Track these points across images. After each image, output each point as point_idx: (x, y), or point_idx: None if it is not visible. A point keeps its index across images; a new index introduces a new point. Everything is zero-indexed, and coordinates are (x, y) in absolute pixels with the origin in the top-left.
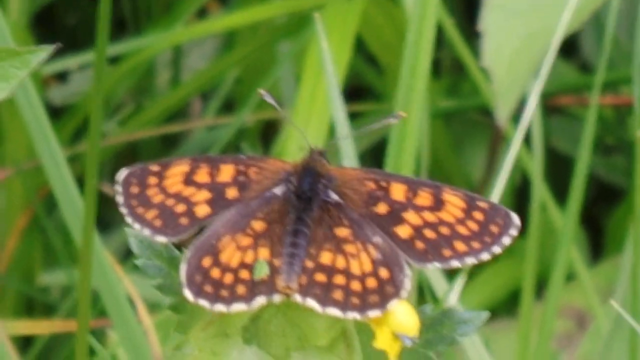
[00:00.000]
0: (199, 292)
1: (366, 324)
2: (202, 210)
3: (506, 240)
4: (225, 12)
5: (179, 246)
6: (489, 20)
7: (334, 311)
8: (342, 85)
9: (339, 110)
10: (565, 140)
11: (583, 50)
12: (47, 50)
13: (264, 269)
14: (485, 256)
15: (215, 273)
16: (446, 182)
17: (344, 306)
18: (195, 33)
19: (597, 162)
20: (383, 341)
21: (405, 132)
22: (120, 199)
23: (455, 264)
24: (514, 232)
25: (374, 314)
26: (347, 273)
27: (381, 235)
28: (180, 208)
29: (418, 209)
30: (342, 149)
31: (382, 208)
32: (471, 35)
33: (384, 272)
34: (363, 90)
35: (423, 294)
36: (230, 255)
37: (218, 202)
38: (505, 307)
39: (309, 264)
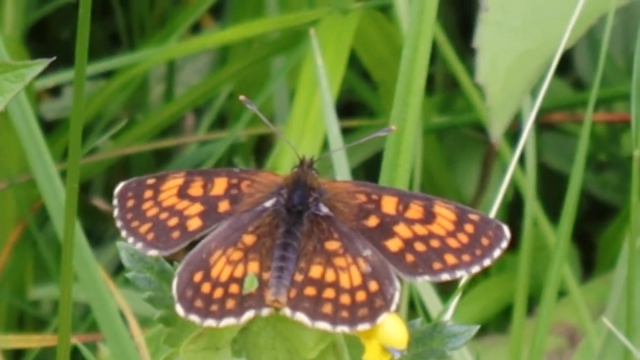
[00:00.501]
0: (190, 307)
1: (355, 337)
2: (194, 224)
3: (497, 253)
4: (219, 27)
5: (170, 259)
6: (483, 37)
7: (323, 325)
8: (336, 101)
9: (333, 126)
10: (558, 157)
11: (577, 67)
12: (41, 64)
13: (253, 283)
14: (475, 269)
15: (206, 288)
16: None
17: (334, 320)
18: (189, 48)
19: (590, 178)
20: (372, 354)
21: (399, 148)
22: (116, 212)
23: (445, 277)
24: (504, 244)
25: (363, 327)
26: (336, 286)
27: (371, 248)
28: (173, 221)
29: (409, 222)
30: (335, 163)
31: (372, 221)
32: (465, 51)
33: (373, 285)
34: (357, 105)
35: (415, 312)
36: (220, 269)
37: (210, 215)
38: (497, 323)
39: (299, 277)
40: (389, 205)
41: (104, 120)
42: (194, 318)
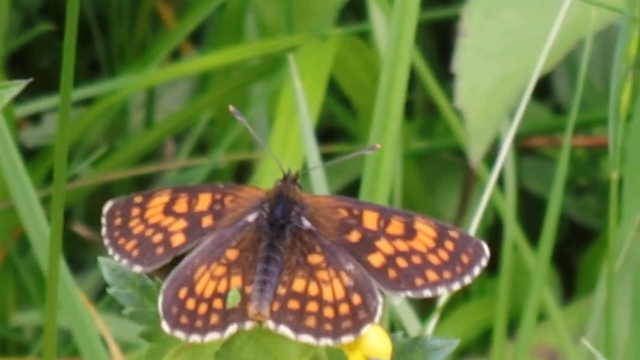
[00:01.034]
0: (175, 323)
1: (339, 349)
2: (178, 240)
3: (476, 270)
4: (198, 54)
5: (152, 275)
6: (462, 62)
7: (307, 338)
8: (316, 127)
9: (312, 151)
10: (537, 181)
11: (556, 91)
12: (19, 85)
13: (236, 297)
14: (456, 286)
15: (191, 304)
16: None
17: (317, 332)
18: (168, 74)
19: (570, 202)
20: None
21: (378, 173)
22: (104, 230)
23: (427, 293)
24: (484, 261)
25: (347, 339)
26: (319, 299)
27: (353, 262)
28: (157, 238)
29: (390, 238)
30: (315, 186)
31: (354, 236)
32: (444, 76)
33: (356, 298)
34: (336, 131)
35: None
36: (204, 285)
37: (193, 231)
38: (477, 346)
39: (281, 290)
40: (371, 220)
41: (84, 147)
42: (179, 334)
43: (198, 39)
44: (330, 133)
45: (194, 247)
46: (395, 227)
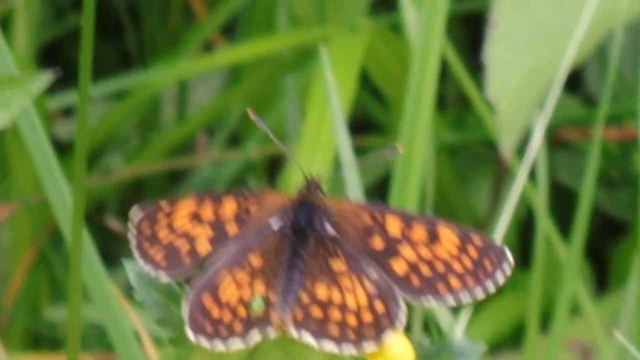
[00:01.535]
0: (199, 331)
1: (362, 358)
2: (204, 249)
3: (500, 277)
4: (230, 46)
5: (179, 281)
6: (492, 53)
7: (329, 345)
8: (348, 119)
9: (345, 144)
10: (569, 174)
11: (587, 84)
12: (47, 76)
13: (259, 305)
14: (479, 293)
15: (215, 312)
16: (451, 216)
17: (340, 340)
18: (200, 67)
19: (602, 195)
20: None
21: (409, 166)
22: (133, 240)
23: (450, 300)
24: (507, 269)
25: (369, 347)
26: (342, 307)
27: (376, 269)
28: (184, 247)
29: (413, 244)
30: (347, 182)
31: (377, 242)
32: (475, 68)
33: (379, 306)
34: (368, 123)
35: (428, 328)
36: (228, 292)
37: (219, 239)
38: (510, 341)
39: (304, 298)
40: (394, 226)
41: (116, 140)
42: (203, 342)
43: (230, 30)
44: (362, 125)
45: (219, 255)
46: (418, 233)
